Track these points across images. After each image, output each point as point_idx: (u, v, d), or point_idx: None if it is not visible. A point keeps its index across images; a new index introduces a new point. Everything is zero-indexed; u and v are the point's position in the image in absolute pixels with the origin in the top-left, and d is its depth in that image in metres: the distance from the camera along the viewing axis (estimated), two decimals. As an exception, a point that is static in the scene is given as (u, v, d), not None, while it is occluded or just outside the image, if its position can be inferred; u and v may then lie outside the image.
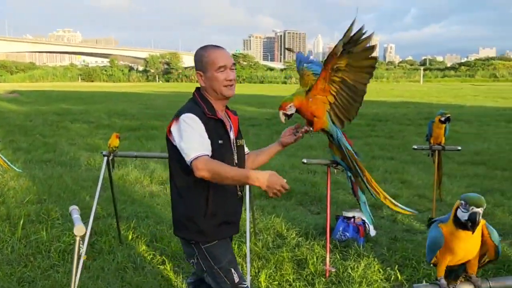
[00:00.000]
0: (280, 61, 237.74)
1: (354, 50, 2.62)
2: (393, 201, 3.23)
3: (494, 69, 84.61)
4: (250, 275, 3.62)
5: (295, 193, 6.27)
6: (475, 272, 1.72)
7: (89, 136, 12.02)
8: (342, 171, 3.91)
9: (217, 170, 2.10)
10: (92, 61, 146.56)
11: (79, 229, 2.29)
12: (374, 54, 2.67)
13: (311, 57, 3.49)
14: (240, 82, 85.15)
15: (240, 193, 2.41)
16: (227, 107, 2.48)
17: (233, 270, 2.33)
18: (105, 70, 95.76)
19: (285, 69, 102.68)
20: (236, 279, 2.33)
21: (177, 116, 2.26)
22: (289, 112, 2.89)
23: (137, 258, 4.18)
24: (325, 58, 2.78)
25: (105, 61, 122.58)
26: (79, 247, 2.34)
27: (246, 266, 3.53)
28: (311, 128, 2.92)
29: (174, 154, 2.30)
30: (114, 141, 4.14)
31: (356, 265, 3.98)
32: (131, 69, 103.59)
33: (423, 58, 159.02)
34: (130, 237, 4.68)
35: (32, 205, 5.69)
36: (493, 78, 77.35)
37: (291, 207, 5.77)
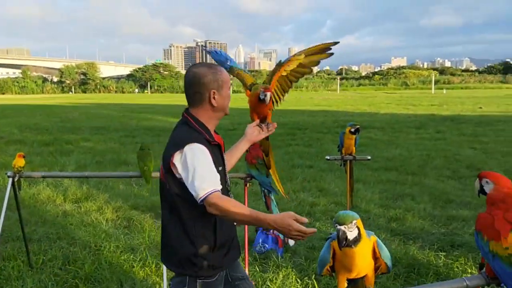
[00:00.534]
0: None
1: (312, 59, 2.93)
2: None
3: (405, 78, 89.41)
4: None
5: (215, 206, 6.22)
6: (372, 284, 1.78)
7: (-2, 153, 11.31)
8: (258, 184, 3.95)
9: (230, 210, 1.97)
10: (3, 72, 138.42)
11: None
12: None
13: (223, 55, 3.48)
14: (161, 92, 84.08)
15: None
16: None
17: None
18: (17, 82, 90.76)
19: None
20: None
21: (179, 146, 2.10)
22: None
23: (48, 283, 3.96)
24: (281, 60, 3.03)
25: (17, 72, 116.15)
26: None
27: (163, 286, 3.44)
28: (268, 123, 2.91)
29: (178, 188, 2.14)
30: (19, 161, 3.91)
31: (275, 277, 4.01)
32: (45, 80, 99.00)
33: (340, 67, 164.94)
34: (41, 260, 4.43)
35: None
36: (404, 86, 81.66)
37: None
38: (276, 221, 1.87)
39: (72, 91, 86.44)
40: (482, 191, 1.81)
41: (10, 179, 3.91)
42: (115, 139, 13.79)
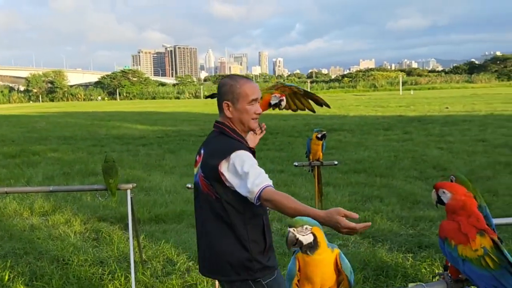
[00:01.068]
0: (172, 76, 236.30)
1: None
2: None
3: (373, 80, 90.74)
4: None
5: (186, 214, 6.20)
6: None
7: (-39, 166, 11.00)
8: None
9: (283, 203, 2.02)
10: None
11: None
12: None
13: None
14: (131, 99, 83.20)
15: None
16: None
17: None
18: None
19: (177, 84, 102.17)
20: None
21: (225, 155, 2.16)
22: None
23: (13, 301, 3.87)
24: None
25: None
26: None
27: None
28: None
29: (228, 196, 2.18)
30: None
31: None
32: (11, 89, 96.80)
33: (310, 71, 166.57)
34: (6, 277, 4.33)
35: None
36: (373, 88, 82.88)
37: (182, 230, 5.69)
38: (325, 218, 1.90)
39: (39, 100, 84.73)
40: (440, 201, 1.85)
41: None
42: (83, 148, 13.58)
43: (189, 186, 3.99)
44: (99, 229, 5.75)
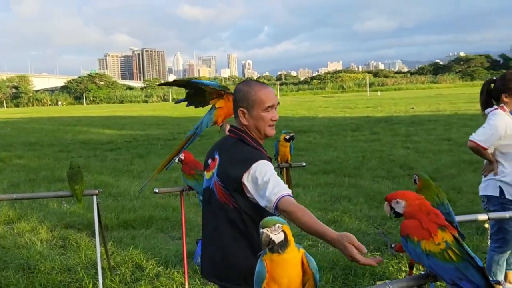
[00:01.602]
0: (140, 79, 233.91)
1: None
2: None
3: (341, 81, 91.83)
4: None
5: (155, 219, 6.15)
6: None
7: None
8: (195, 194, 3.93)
9: (298, 216, 2.01)
10: None
11: None
12: None
13: None
14: (98, 103, 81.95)
15: None
16: None
17: None
18: None
19: (145, 87, 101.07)
20: None
21: (246, 166, 2.14)
22: None
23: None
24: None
25: None
26: None
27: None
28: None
29: (247, 206, 2.18)
30: None
31: (216, 288, 4.00)
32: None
33: (279, 73, 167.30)
34: (-31, 289, 4.22)
35: None
36: (341, 89, 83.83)
37: (151, 235, 5.63)
38: (334, 239, 1.90)
39: (4, 106, 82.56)
40: (395, 212, 1.89)
41: None
42: (49, 155, 13.30)
43: (157, 190, 3.98)
44: (66, 236, 5.64)
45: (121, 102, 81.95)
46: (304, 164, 4.51)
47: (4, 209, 6.87)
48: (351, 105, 32.47)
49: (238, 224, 2.21)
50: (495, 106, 3.61)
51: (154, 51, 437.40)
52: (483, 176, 3.73)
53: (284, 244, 1.67)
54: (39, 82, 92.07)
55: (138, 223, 6.06)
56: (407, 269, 4.26)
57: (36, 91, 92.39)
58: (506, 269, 3.76)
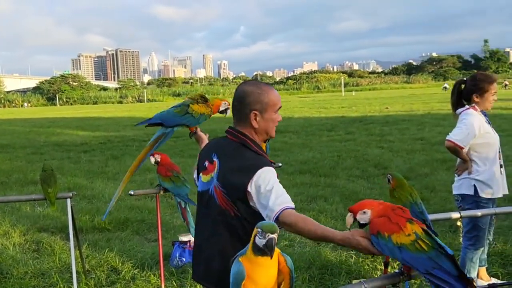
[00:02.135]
0: (114, 80, 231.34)
1: None
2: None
3: (317, 81, 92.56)
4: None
5: (131, 222, 6.09)
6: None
7: None
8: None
9: (300, 226, 1.98)
10: None
11: None
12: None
13: None
14: (71, 104, 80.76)
15: None
16: None
17: None
18: None
19: (120, 88, 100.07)
20: None
21: (250, 174, 2.09)
22: None
23: None
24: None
25: None
26: None
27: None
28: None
29: (248, 214, 2.14)
30: None
31: (193, 290, 3.99)
32: None
33: (255, 73, 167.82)
34: None
35: None
36: (316, 89, 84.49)
37: (126, 237, 5.57)
38: (344, 239, 1.89)
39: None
40: (359, 224, 1.90)
41: None
42: (21, 157, 13.05)
43: (132, 193, 3.95)
44: (39, 240, 5.54)
45: (95, 103, 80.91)
46: (280, 164, 4.52)
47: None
48: (326, 105, 32.73)
49: (238, 231, 2.17)
50: (467, 106, 3.69)
51: (129, 51, 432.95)
52: (456, 175, 3.80)
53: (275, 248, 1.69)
54: (11, 83, 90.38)
55: (113, 226, 5.99)
56: (382, 267, 4.32)
57: (8, 92, 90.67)
58: (479, 266, 3.85)
